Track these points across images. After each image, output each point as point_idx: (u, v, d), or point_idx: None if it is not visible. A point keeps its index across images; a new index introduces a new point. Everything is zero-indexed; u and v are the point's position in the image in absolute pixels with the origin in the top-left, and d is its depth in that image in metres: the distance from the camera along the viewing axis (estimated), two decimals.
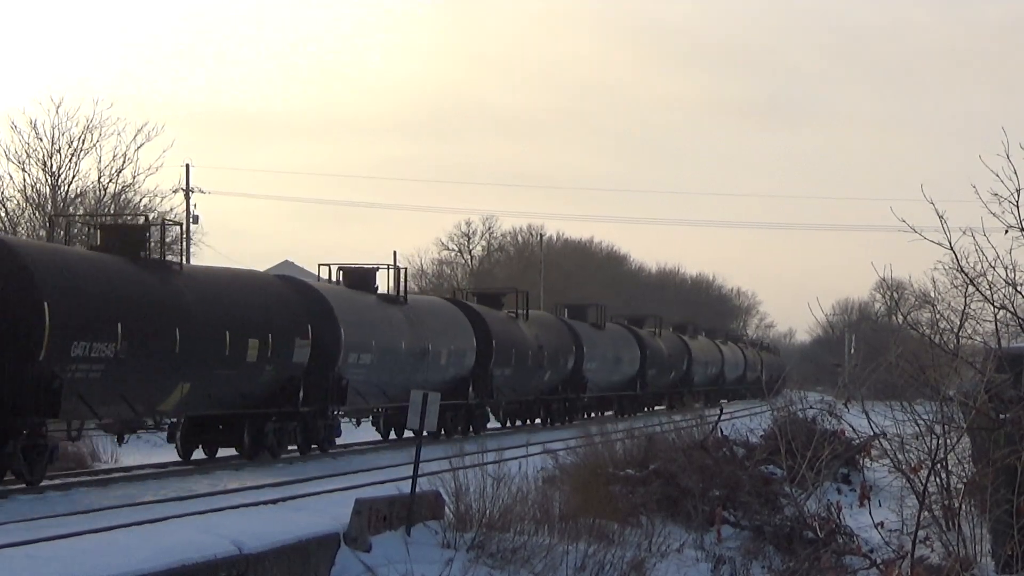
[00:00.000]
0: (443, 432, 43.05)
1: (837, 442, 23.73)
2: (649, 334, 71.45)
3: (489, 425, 49.28)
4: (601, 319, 63.47)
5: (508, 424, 53.01)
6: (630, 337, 67.27)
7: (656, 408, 70.80)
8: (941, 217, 19.41)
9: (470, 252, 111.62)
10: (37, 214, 56.19)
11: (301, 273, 53.86)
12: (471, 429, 46.23)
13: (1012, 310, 20.83)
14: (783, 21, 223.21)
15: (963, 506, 19.77)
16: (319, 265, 42.71)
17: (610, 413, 62.44)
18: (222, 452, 34.27)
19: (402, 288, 43.03)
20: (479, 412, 47.03)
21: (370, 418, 43.99)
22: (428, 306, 45.97)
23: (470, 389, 45.58)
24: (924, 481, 19.22)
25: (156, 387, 29.45)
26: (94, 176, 58.17)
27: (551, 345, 53.68)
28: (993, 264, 20.09)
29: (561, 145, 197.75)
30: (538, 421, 55.19)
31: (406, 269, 40.84)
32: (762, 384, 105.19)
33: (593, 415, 61.33)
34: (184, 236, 66.44)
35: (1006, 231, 19.61)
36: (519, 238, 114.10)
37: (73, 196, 57.05)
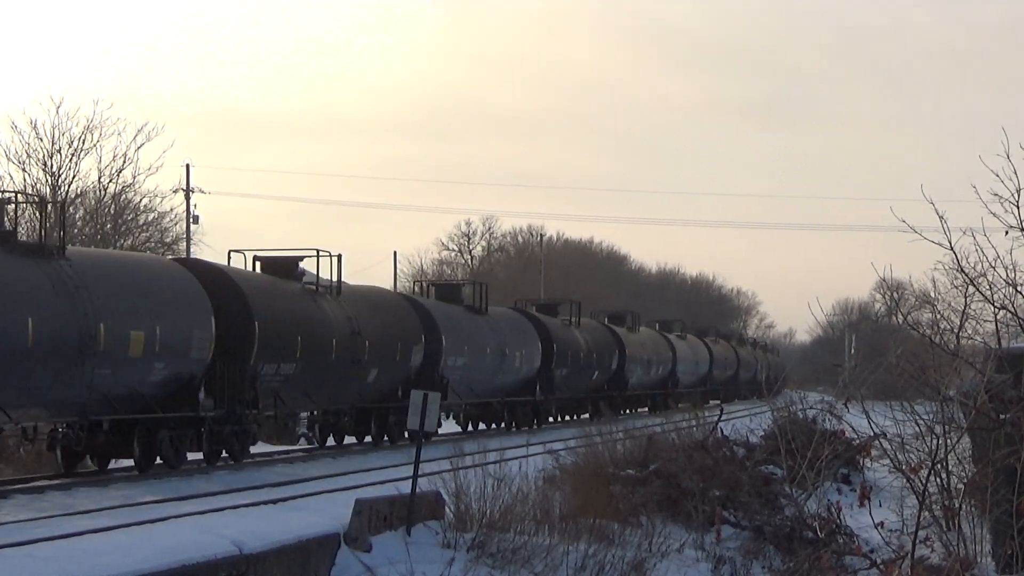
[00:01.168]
0: (152, 463, 28.56)
1: (837, 442, 23.72)
2: (560, 324, 56.58)
3: (267, 448, 35.82)
4: (481, 302, 48.53)
5: (324, 445, 38.31)
6: (527, 326, 51.86)
7: (578, 417, 58.10)
8: (941, 217, 19.43)
9: (470, 252, 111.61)
10: (37, 214, 56.11)
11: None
12: (225, 455, 30.74)
13: (1012, 310, 20.83)
14: (783, 21, 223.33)
15: (963, 506, 19.78)
16: None
17: (503, 425, 49.31)
18: None
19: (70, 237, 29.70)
20: (228, 431, 30.49)
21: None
22: (115, 268, 28.96)
23: (201, 395, 29.48)
24: (924, 481, 19.23)
25: None
26: (94, 176, 58.16)
27: (382, 333, 38.34)
28: (993, 264, 20.12)
29: (561, 145, 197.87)
30: (366, 439, 39.19)
31: (62, 201, 28.01)
32: (740, 385, 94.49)
33: (472, 428, 48.29)
34: (186, 236, 66.53)
35: (1006, 232, 19.63)
36: (519, 238, 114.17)
37: (73, 196, 57.01)
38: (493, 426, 49.13)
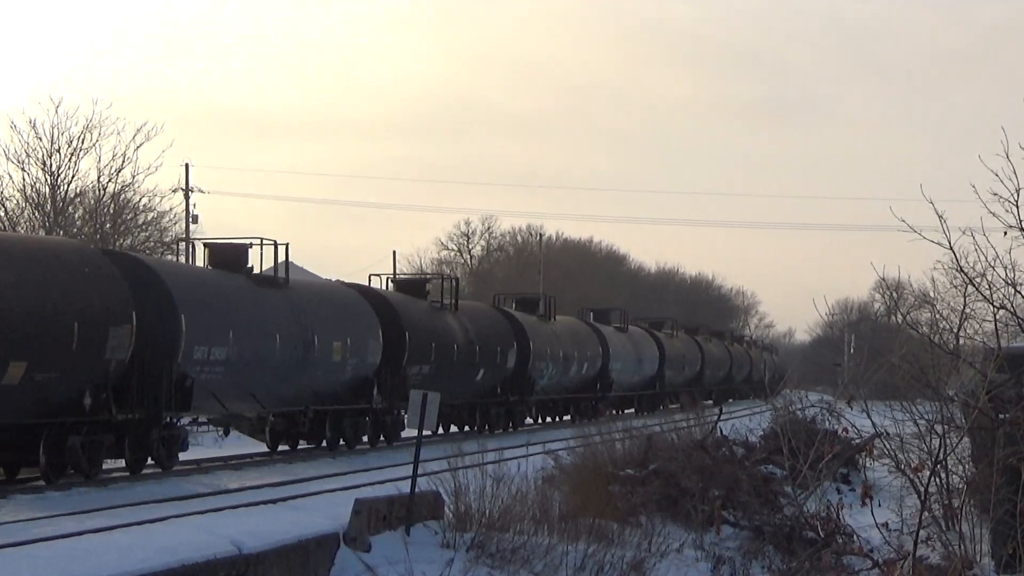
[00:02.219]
0: None
1: (838, 441, 23.73)
2: (427, 308, 42.49)
3: None
4: (276, 270, 34.23)
5: None
6: (361, 307, 37.44)
7: (467, 429, 44.94)
8: (941, 217, 19.45)
9: (470, 252, 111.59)
10: (36, 214, 56.18)
11: (300, 272, 52.28)
12: None
13: (1012, 310, 20.85)
14: (783, 21, 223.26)
15: (963, 506, 19.79)
16: None
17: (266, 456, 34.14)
18: None
19: None
20: None
21: None
22: None
23: None
24: (926, 481, 19.25)
25: None
26: (93, 176, 58.11)
27: (37, 308, 24.53)
28: (993, 264, 20.13)
29: (561, 145, 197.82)
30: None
31: None
32: (707, 387, 75.91)
33: (273, 448, 34.88)
34: (186, 236, 66.50)
35: (1005, 233, 19.64)
36: (519, 238, 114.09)
37: (73, 196, 57.04)
38: (321, 445, 35.83)
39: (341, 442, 36.02)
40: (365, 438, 37.27)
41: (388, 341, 37.63)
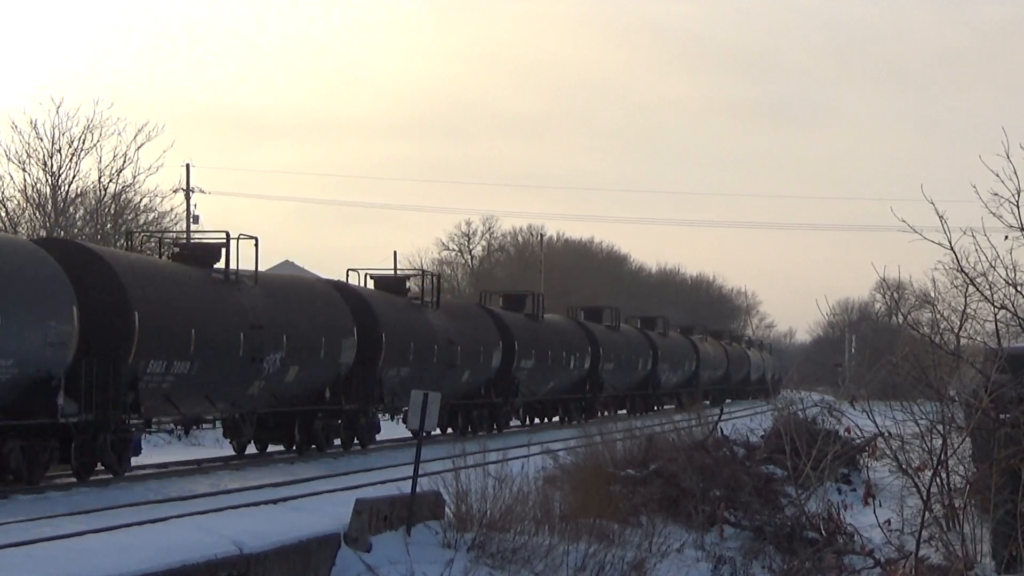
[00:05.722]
0: None
1: (838, 441, 23.72)
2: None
3: None
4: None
5: None
6: (36, 267, 25.50)
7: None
8: (941, 217, 19.48)
9: (470, 252, 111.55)
10: (37, 214, 56.17)
11: (301, 273, 51.02)
12: None
13: (1012, 310, 20.86)
14: (783, 21, 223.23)
15: (965, 506, 19.79)
16: None
17: None
18: None
19: None
20: None
21: None
22: None
23: None
24: (929, 482, 19.25)
25: None
26: (94, 176, 58.11)
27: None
28: (993, 264, 20.16)
29: (561, 145, 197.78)
30: None
31: None
32: (662, 390, 67.27)
33: None
34: (186, 236, 66.44)
35: (1005, 237, 19.68)
36: (519, 238, 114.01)
37: (73, 196, 57.02)
38: None
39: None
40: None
41: (96, 318, 26.56)
